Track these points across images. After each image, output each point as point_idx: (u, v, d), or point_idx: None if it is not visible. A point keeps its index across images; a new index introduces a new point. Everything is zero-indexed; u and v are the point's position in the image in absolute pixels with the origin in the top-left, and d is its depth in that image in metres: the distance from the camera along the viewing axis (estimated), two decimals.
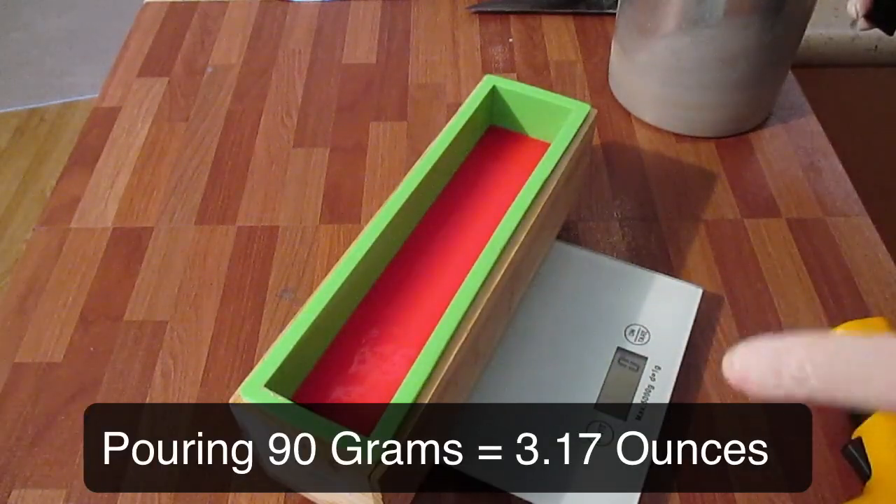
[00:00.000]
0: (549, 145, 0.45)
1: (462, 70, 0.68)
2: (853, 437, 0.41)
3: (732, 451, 0.43)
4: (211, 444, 0.43)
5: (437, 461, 0.40)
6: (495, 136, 0.51)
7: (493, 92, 0.49)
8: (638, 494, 0.40)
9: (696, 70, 0.57)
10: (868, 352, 0.23)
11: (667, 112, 0.61)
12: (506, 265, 0.39)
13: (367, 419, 0.36)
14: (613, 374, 0.44)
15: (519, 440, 0.42)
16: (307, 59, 0.69)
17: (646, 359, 0.45)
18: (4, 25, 2.03)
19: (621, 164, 0.59)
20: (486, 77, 0.49)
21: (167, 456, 0.43)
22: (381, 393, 0.37)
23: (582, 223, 0.55)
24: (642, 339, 0.46)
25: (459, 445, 0.41)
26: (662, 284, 0.49)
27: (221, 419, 0.44)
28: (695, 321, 0.47)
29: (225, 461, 0.43)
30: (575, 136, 0.46)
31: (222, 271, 0.52)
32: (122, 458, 0.43)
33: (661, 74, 0.59)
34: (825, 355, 0.23)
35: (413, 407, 0.34)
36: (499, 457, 0.41)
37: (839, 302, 0.50)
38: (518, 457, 0.41)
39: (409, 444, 0.33)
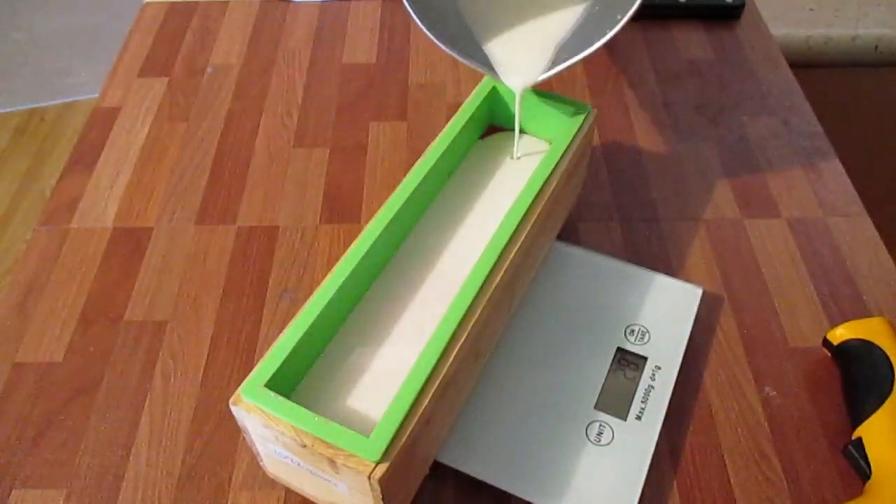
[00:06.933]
0: (549, 145, 0.45)
1: (462, 70, 0.68)
2: (853, 437, 0.41)
3: (732, 451, 0.43)
4: (211, 445, 0.43)
5: (436, 461, 0.40)
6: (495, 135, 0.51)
7: (493, 92, 0.49)
8: (638, 494, 0.40)
9: None
10: None
11: None
12: (506, 265, 0.39)
13: (367, 419, 0.36)
14: (613, 375, 0.44)
15: (519, 440, 0.42)
16: (307, 59, 0.69)
17: (646, 359, 0.45)
18: (4, 25, 2.03)
19: (621, 164, 0.59)
20: (487, 77, 0.49)
21: (167, 456, 0.43)
22: (381, 393, 0.37)
23: (582, 223, 0.55)
24: (642, 339, 0.46)
25: (459, 445, 0.41)
26: (662, 284, 0.49)
27: (221, 419, 0.44)
28: (695, 321, 0.47)
29: (225, 461, 0.43)
30: (575, 136, 0.46)
31: (222, 271, 0.52)
32: (122, 458, 0.43)
33: None
34: None
35: (413, 407, 0.34)
36: (499, 457, 0.41)
37: (839, 302, 0.50)
38: (518, 457, 0.41)
39: (409, 444, 0.33)
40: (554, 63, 0.45)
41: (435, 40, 0.43)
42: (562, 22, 0.47)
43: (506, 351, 0.45)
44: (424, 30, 0.43)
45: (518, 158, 0.48)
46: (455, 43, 0.44)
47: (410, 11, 0.43)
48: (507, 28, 0.47)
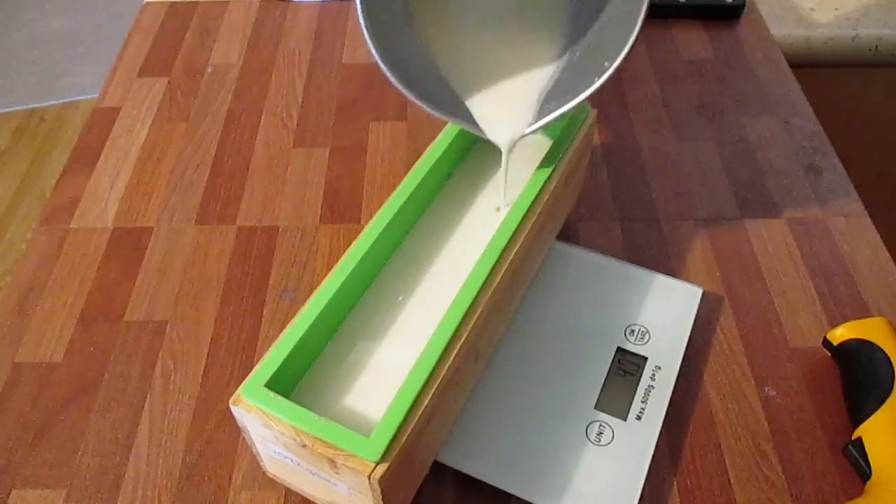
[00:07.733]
0: (549, 145, 0.45)
1: None
2: (853, 437, 0.41)
3: (732, 451, 0.43)
4: (211, 445, 0.43)
5: (436, 461, 0.40)
6: None
7: None
8: (638, 494, 0.40)
9: None
10: None
11: None
12: (506, 265, 0.39)
13: (367, 419, 0.36)
14: (613, 375, 0.44)
15: (519, 440, 0.42)
16: (307, 59, 0.69)
17: (646, 359, 0.45)
18: (4, 25, 2.03)
19: (621, 164, 0.59)
20: None
21: (167, 456, 0.43)
22: (381, 393, 0.37)
23: (582, 223, 0.55)
24: (642, 339, 0.46)
25: (459, 445, 0.41)
26: (662, 284, 0.49)
27: (221, 419, 0.44)
28: (695, 321, 0.47)
29: (225, 461, 0.43)
30: (575, 136, 0.46)
31: (222, 271, 0.52)
32: (122, 458, 0.43)
33: None
34: None
35: (413, 407, 0.34)
36: (499, 457, 0.41)
37: (839, 302, 0.50)
38: (518, 457, 0.41)
39: (409, 444, 0.33)
40: (539, 114, 0.42)
41: (417, 101, 0.42)
42: (543, 71, 0.45)
43: (506, 351, 0.45)
44: (408, 94, 0.41)
45: (499, 210, 0.46)
46: (434, 99, 0.43)
47: (389, 75, 0.41)
48: (487, 82, 0.45)
